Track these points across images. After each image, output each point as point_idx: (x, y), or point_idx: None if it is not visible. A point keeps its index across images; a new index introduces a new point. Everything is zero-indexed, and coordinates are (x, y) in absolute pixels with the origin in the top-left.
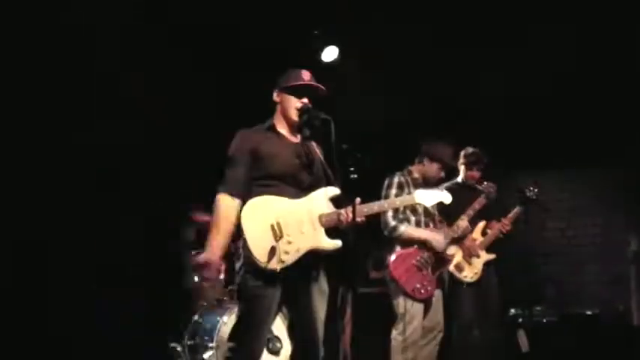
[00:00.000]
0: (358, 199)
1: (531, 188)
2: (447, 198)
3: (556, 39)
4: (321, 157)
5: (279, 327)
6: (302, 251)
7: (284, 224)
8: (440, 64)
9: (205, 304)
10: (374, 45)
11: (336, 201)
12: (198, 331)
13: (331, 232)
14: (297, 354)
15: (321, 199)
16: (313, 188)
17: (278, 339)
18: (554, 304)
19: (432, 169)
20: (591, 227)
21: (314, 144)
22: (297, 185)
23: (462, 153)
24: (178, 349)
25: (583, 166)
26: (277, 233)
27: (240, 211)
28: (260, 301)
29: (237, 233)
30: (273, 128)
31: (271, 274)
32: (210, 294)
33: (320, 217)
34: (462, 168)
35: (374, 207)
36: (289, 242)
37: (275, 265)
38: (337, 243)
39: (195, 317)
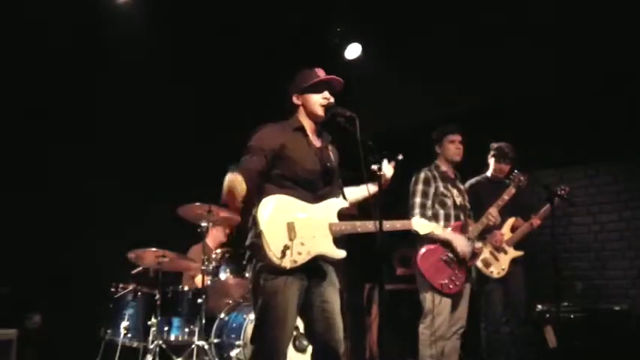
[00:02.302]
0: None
1: (562, 187)
2: (438, 229)
3: (568, 36)
4: (336, 163)
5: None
6: (312, 255)
7: (298, 226)
8: (466, 63)
9: (231, 302)
10: (400, 42)
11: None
12: (225, 329)
13: (338, 241)
14: (319, 350)
15: (333, 208)
16: (326, 195)
17: (305, 336)
18: (582, 300)
19: (446, 148)
20: (618, 222)
21: (332, 148)
22: (312, 190)
23: (491, 146)
24: (205, 347)
25: (609, 160)
26: (292, 233)
27: (257, 206)
28: (278, 296)
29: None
30: (301, 129)
31: (285, 270)
32: (236, 291)
33: (330, 225)
34: (490, 162)
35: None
36: (302, 244)
37: (287, 263)
38: (342, 253)
39: (222, 315)
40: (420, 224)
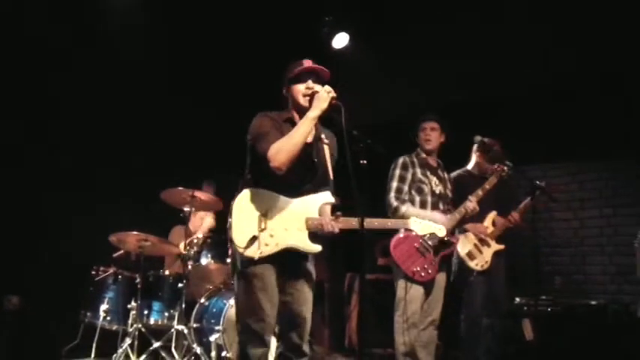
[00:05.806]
0: (339, 213)
1: (538, 182)
2: (440, 232)
3: (557, 34)
4: (328, 159)
5: None
6: (280, 247)
7: (270, 218)
8: (453, 57)
9: (212, 287)
10: (386, 32)
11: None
12: (205, 314)
13: (315, 235)
14: (284, 337)
15: (314, 203)
16: (312, 189)
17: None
18: (561, 294)
19: (418, 136)
20: (599, 219)
21: (324, 142)
22: (298, 183)
23: (475, 139)
24: (185, 331)
25: (591, 158)
26: (262, 225)
27: (235, 198)
28: (257, 281)
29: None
30: (291, 121)
31: (264, 258)
32: (217, 277)
33: (307, 219)
34: (474, 155)
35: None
36: (271, 235)
37: (252, 253)
38: (317, 247)
39: (202, 300)
40: (417, 225)
